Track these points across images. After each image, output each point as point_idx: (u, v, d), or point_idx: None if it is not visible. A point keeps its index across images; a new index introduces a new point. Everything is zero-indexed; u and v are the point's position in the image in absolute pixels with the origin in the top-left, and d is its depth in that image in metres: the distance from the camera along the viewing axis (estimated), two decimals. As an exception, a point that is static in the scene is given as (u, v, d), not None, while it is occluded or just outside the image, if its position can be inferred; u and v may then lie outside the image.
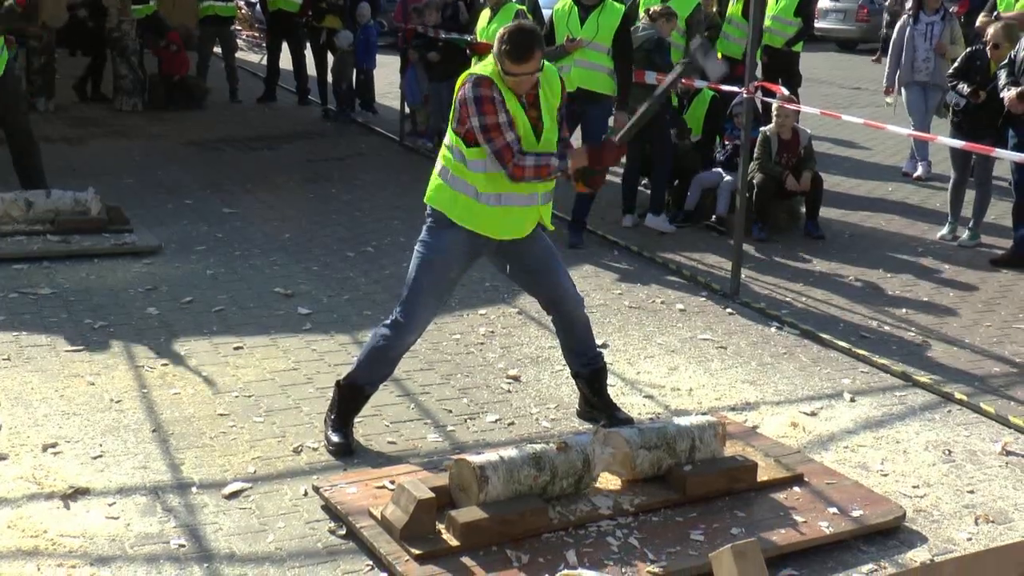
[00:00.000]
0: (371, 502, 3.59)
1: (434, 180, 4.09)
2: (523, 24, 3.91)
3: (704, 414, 4.13)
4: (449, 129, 4.01)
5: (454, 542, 3.34)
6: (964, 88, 7.10)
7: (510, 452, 3.56)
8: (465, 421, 4.52)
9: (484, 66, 3.97)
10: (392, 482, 3.71)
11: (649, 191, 7.94)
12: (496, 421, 4.54)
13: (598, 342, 5.24)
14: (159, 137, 10.62)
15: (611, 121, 7.15)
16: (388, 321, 4.11)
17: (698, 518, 3.62)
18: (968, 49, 7.59)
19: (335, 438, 4.16)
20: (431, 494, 3.39)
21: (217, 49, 13.22)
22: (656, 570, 3.26)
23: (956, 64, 7.41)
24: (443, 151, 4.03)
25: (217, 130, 11.09)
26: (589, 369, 4.44)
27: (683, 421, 3.93)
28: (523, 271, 4.22)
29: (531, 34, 3.84)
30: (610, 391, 4.61)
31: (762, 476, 3.87)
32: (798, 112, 7.14)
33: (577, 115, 6.88)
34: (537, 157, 3.89)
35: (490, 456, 3.52)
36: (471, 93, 3.87)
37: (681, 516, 3.66)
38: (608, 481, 3.81)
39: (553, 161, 3.92)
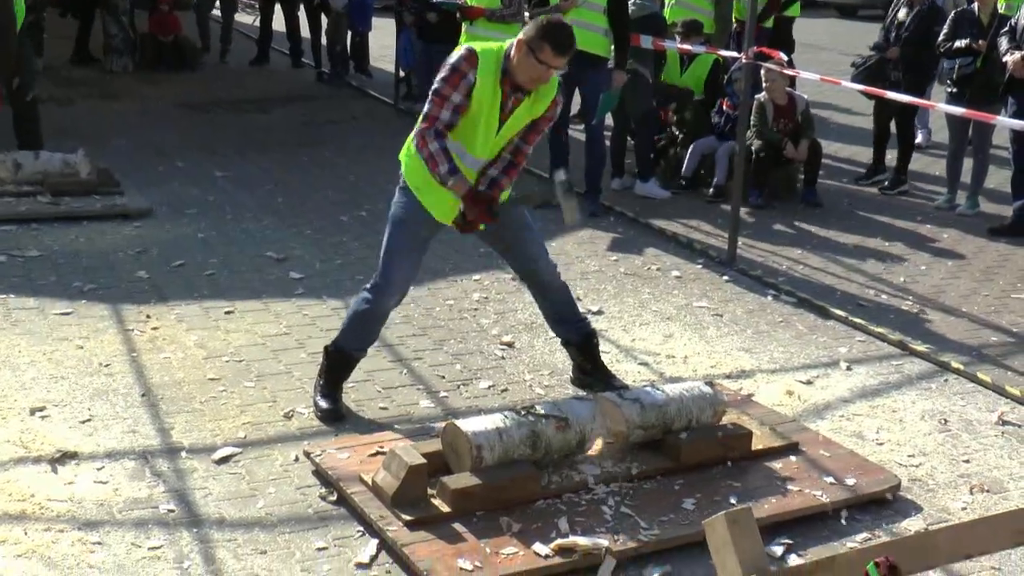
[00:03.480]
0: (362, 468, 3.57)
1: (408, 141, 4.08)
2: (564, 21, 3.85)
3: (708, 384, 4.04)
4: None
5: (445, 508, 3.32)
6: (961, 43, 7.03)
7: (505, 422, 3.49)
8: (458, 387, 4.49)
9: (490, 46, 3.90)
10: (383, 448, 3.67)
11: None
12: (489, 387, 4.51)
13: (593, 308, 5.36)
14: (150, 98, 10.53)
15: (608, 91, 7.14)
16: (368, 284, 4.09)
17: (692, 486, 3.60)
18: (953, 12, 7.55)
19: (324, 404, 4.14)
20: (422, 460, 3.36)
21: (216, 12, 13.06)
22: (648, 538, 3.26)
23: (944, 29, 7.31)
24: (421, 114, 3.98)
25: (209, 92, 10.98)
26: (578, 335, 4.39)
27: (684, 393, 3.84)
28: (496, 242, 4.24)
29: (572, 34, 3.82)
30: (605, 358, 4.58)
31: (757, 445, 3.85)
32: (792, 78, 7.04)
33: (574, 81, 6.83)
34: (442, 152, 3.82)
35: (486, 427, 3.44)
36: (453, 59, 3.86)
37: (675, 484, 3.63)
38: (601, 447, 3.79)
39: (443, 168, 3.84)
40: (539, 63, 3.76)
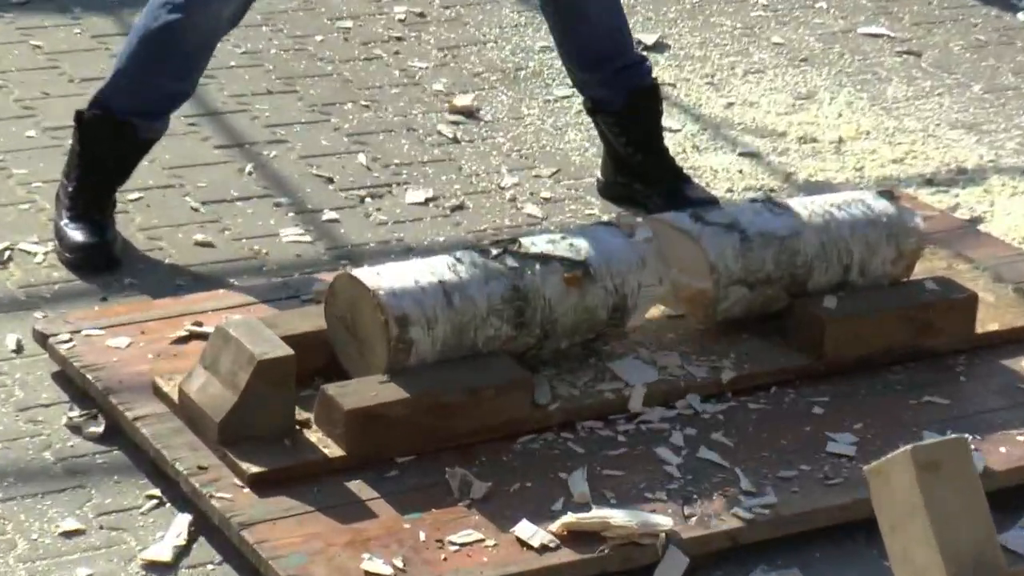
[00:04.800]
0: (157, 367, 3.23)
1: None
2: None
3: (885, 194, 3.64)
4: None
5: (333, 449, 2.96)
6: None
7: (457, 272, 3.20)
8: (362, 201, 4.19)
9: None
10: (202, 325, 3.35)
11: None
12: (427, 202, 4.21)
13: (647, 40, 5.12)
14: None
15: None
16: None
17: (848, 408, 3.24)
18: None
19: (77, 235, 3.77)
20: (287, 349, 2.97)
21: None
22: (755, 515, 2.92)
23: None
24: None
25: None
26: (622, 93, 4.14)
27: (834, 212, 3.55)
28: None
29: None
30: (671, 142, 4.34)
31: (988, 323, 3.52)
32: None
33: None
34: None
35: (417, 281, 3.14)
36: None
37: (812, 403, 3.27)
38: (661, 321, 3.53)
39: None
40: None
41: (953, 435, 2.68)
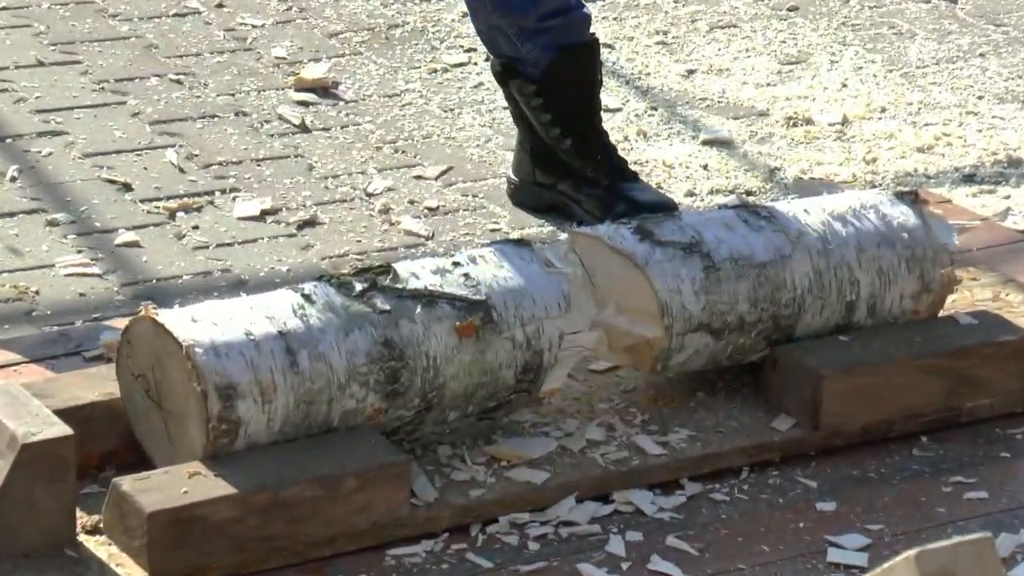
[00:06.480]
0: None
1: None
2: None
3: (907, 196, 3.62)
4: None
5: (130, 569, 2.90)
6: None
7: (304, 314, 3.13)
8: (172, 216, 4.27)
9: None
10: None
11: None
12: (264, 216, 4.28)
13: None
14: None
15: None
16: None
17: (853, 498, 3.23)
18: None
19: None
20: (65, 428, 2.92)
21: None
22: None
23: None
24: None
25: None
26: (549, 49, 4.24)
27: (832, 223, 3.54)
28: None
29: None
30: (606, 125, 4.41)
31: None
32: None
33: None
34: None
35: (248, 330, 3.10)
36: None
37: (804, 492, 3.25)
38: (583, 377, 3.54)
39: None
40: None
41: (979, 535, 2.59)
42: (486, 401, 3.23)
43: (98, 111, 4.64)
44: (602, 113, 4.43)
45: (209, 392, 2.93)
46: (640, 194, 4.32)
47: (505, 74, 4.38)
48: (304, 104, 4.76)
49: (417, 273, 3.20)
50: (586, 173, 4.40)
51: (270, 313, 3.06)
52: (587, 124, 4.43)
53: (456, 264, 3.26)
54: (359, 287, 3.14)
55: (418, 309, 3.11)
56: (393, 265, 3.25)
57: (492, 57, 4.44)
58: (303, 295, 3.12)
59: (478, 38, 4.41)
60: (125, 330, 3.11)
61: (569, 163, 4.39)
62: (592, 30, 4.42)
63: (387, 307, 3.12)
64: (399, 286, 3.17)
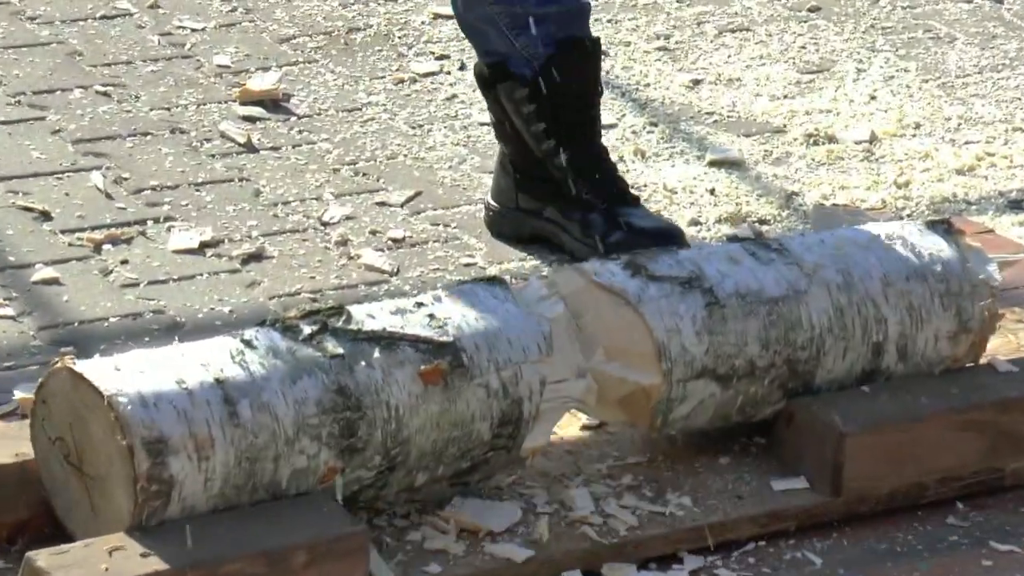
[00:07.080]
0: None
1: None
2: None
3: (939, 225, 3.64)
4: None
5: None
6: None
7: (245, 361, 3.11)
8: (97, 249, 4.27)
9: None
10: None
11: None
12: (203, 248, 4.29)
13: None
14: None
15: None
16: None
17: (879, 568, 3.21)
18: None
19: None
20: None
21: None
22: None
23: None
24: None
25: None
26: (547, 45, 4.25)
27: (855, 254, 3.53)
28: None
29: None
30: (603, 141, 4.42)
31: None
32: None
33: None
34: None
35: (182, 379, 3.06)
36: None
37: (823, 567, 3.23)
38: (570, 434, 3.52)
39: None
40: None
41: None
42: (459, 461, 3.21)
43: (12, 128, 4.63)
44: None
45: (136, 447, 2.89)
46: (641, 220, 4.29)
47: (493, 76, 4.35)
48: (250, 120, 4.74)
49: (374, 314, 3.20)
50: (580, 195, 4.35)
51: (205, 360, 3.04)
52: (586, 136, 4.42)
53: (419, 304, 3.24)
54: (307, 330, 3.13)
55: (376, 353, 3.10)
56: (347, 307, 3.25)
57: (478, 58, 4.37)
58: (243, 340, 3.10)
59: (451, 44, 4.41)
60: (39, 388, 3.09)
61: (561, 183, 4.35)
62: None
63: (340, 351, 3.11)
64: (354, 327, 3.16)
